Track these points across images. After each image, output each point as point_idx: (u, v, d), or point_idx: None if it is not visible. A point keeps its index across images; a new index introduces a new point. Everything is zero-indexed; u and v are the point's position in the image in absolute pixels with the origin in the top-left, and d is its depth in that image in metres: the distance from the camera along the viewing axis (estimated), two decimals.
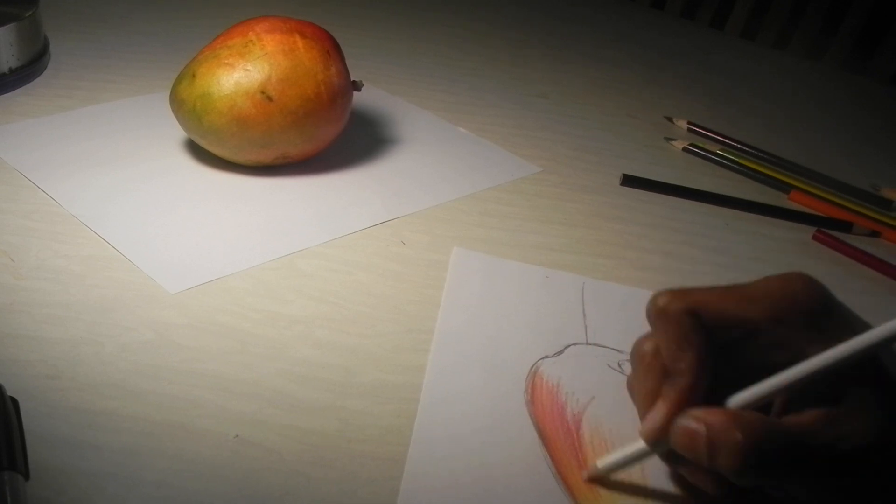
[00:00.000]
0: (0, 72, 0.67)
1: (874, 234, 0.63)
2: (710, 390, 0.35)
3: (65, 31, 0.79)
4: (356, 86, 0.61)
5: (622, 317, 0.49)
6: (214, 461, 0.37)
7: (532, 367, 0.44)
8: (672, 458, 0.37)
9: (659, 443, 0.36)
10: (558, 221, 0.59)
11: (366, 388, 0.42)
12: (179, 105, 0.57)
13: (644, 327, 0.49)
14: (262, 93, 0.55)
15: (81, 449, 0.37)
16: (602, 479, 0.38)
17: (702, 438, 0.33)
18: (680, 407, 0.35)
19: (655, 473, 0.39)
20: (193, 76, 0.57)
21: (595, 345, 0.47)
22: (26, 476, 0.32)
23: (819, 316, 0.35)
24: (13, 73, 0.68)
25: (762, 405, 0.35)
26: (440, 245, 0.54)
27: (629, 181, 0.65)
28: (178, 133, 0.62)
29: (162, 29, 0.83)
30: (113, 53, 0.76)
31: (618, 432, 0.41)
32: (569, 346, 0.46)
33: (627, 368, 0.45)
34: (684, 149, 0.72)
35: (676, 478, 0.39)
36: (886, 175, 0.73)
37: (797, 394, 0.35)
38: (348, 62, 0.60)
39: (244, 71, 0.56)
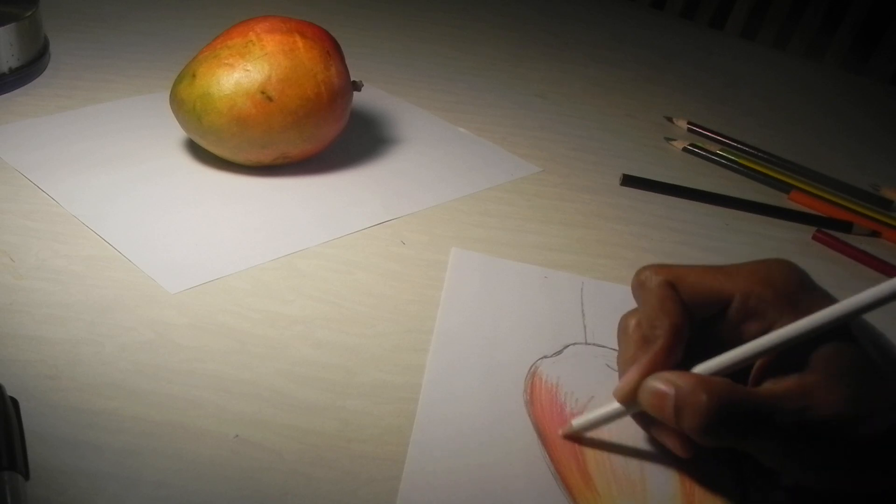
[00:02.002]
0: (0, 72, 0.67)
1: (874, 234, 0.63)
2: (682, 362, 0.37)
3: (65, 30, 0.79)
4: (356, 86, 0.61)
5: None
6: (214, 461, 0.37)
7: (531, 367, 0.44)
8: (644, 419, 0.39)
9: (631, 403, 0.37)
10: (558, 221, 0.59)
11: (366, 388, 0.42)
12: (179, 105, 0.57)
13: None
14: (262, 93, 0.55)
15: (81, 449, 0.37)
16: (594, 474, 0.38)
17: (669, 399, 0.35)
18: (652, 369, 0.37)
19: (655, 473, 0.39)
20: (193, 76, 0.57)
21: (594, 345, 0.47)
22: (26, 476, 0.32)
23: (794, 294, 0.37)
24: (13, 72, 0.68)
25: (735, 374, 0.36)
26: (440, 245, 0.54)
27: (629, 181, 0.65)
28: (178, 133, 0.62)
29: (162, 29, 0.83)
30: (113, 53, 0.76)
31: (617, 432, 0.41)
32: (568, 345, 0.46)
33: None
34: (684, 149, 0.72)
35: (649, 440, 0.40)
36: (886, 175, 0.73)
37: (772, 363, 0.36)
38: (348, 62, 0.60)
39: (244, 71, 0.56)
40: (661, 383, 0.36)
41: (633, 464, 0.39)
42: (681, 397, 0.35)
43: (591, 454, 0.40)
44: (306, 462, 0.38)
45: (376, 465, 0.38)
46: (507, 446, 0.39)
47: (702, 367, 0.36)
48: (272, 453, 0.38)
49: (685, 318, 0.37)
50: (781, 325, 0.36)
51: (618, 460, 0.39)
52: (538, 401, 0.42)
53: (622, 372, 0.39)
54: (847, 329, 0.35)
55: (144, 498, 0.35)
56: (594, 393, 0.43)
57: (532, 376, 0.44)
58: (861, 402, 0.34)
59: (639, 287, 0.39)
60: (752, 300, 0.37)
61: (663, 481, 0.39)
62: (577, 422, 0.40)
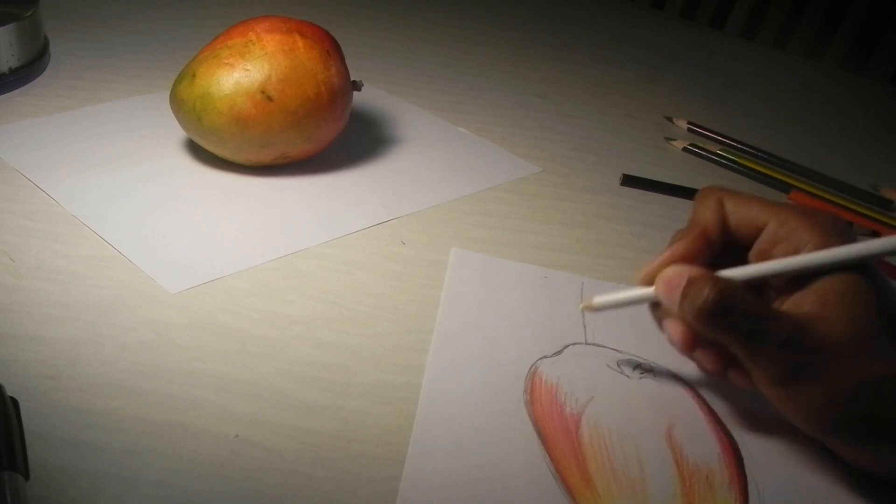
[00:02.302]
0: (0, 71, 0.67)
1: (874, 234, 0.63)
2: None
3: (65, 30, 0.79)
4: (356, 86, 0.61)
5: (621, 316, 0.49)
6: (214, 461, 0.37)
7: (531, 367, 0.44)
8: (655, 307, 0.43)
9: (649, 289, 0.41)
10: (558, 221, 0.59)
11: (366, 388, 0.42)
12: (179, 105, 0.57)
13: (643, 327, 0.49)
14: (262, 93, 0.55)
15: (81, 449, 0.37)
16: (595, 475, 0.38)
17: (679, 288, 0.38)
18: (672, 260, 0.40)
19: (655, 473, 0.39)
20: (193, 76, 0.57)
21: (594, 344, 0.47)
22: (26, 476, 0.32)
23: (828, 231, 0.38)
24: (13, 72, 0.68)
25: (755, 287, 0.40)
26: (440, 245, 0.54)
27: (629, 181, 0.65)
28: (178, 133, 0.62)
29: (162, 29, 0.83)
30: (113, 53, 0.76)
31: (617, 431, 0.41)
32: (568, 345, 0.46)
33: (626, 368, 0.45)
34: (684, 149, 0.72)
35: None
36: (886, 175, 0.73)
37: (786, 286, 0.39)
38: (348, 62, 0.60)
39: (244, 71, 0.56)
40: (676, 272, 0.39)
41: (633, 463, 0.39)
42: (688, 285, 0.37)
43: (591, 454, 0.40)
44: (306, 462, 0.38)
45: (376, 466, 0.38)
46: (506, 446, 0.39)
47: (725, 273, 0.39)
48: (272, 453, 0.38)
49: (718, 226, 0.41)
50: (808, 252, 0.38)
51: (618, 460, 0.39)
52: (538, 401, 0.42)
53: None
54: (868, 269, 0.37)
55: (144, 498, 0.35)
56: (594, 393, 0.43)
57: (532, 376, 0.44)
58: (860, 334, 0.36)
59: (697, 200, 0.43)
60: (784, 228, 0.39)
61: (663, 481, 0.39)
62: (598, 299, 0.44)
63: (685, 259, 0.40)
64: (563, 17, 1.05)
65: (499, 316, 0.48)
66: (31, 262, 0.48)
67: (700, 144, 0.72)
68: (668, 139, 0.74)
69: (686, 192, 0.64)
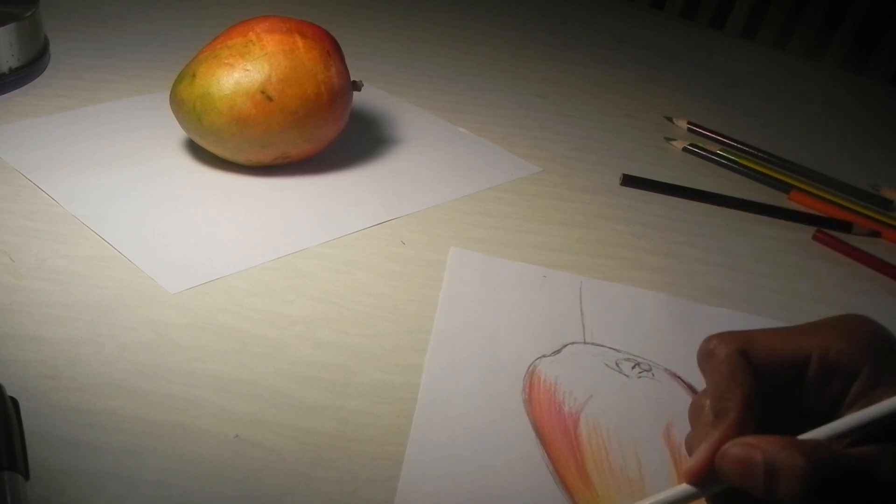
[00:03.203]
0: (0, 72, 0.67)
1: (874, 234, 0.63)
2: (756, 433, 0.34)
3: (65, 30, 0.79)
4: (356, 86, 0.61)
5: (620, 316, 0.49)
6: (214, 461, 0.37)
7: (530, 367, 0.44)
8: (719, 500, 0.35)
9: (703, 483, 0.34)
10: (558, 221, 0.59)
11: (366, 388, 0.42)
12: (179, 105, 0.57)
13: (643, 327, 0.49)
14: (262, 93, 0.55)
15: (81, 449, 0.37)
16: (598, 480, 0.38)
17: (758, 464, 0.32)
18: (725, 444, 0.33)
19: (653, 472, 0.39)
20: (193, 76, 0.57)
21: (593, 344, 0.47)
22: (26, 476, 0.32)
23: (872, 345, 0.34)
24: (13, 72, 0.68)
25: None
26: (440, 245, 0.54)
27: (629, 181, 0.65)
28: (178, 133, 0.62)
29: (162, 29, 0.83)
30: (113, 53, 0.76)
31: (615, 431, 0.41)
32: (566, 345, 0.46)
33: (625, 367, 0.45)
34: (684, 149, 0.72)
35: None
36: (886, 175, 0.73)
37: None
38: (348, 62, 0.60)
39: (244, 71, 0.56)
40: (746, 448, 0.32)
41: (632, 462, 0.39)
42: (772, 461, 0.31)
43: (589, 453, 0.40)
44: (306, 462, 0.38)
45: (376, 465, 0.38)
46: (505, 445, 0.39)
47: (808, 435, 0.33)
48: (272, 453, 0.38)
49: (758, 388, 0.34)
50: (864, 379, 0.33)
51: (616, 459, 0.39)
52: (537, 400, 0.42)
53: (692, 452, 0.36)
54: None
55: (144, 498, 0.35)
56: (593, 392, 0.43)
57: (531, 375, 0.44)
58: None
59: (706, 357, 0.36)
60: (830, 357, 0.34)
61: (661, 480, 0.39)
62: None
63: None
64: (563, 17, 1.05)
65: (498, 315, 0.48)
66: (32, 262, 0.48)
67: (700, 144, 0.72)
68: (668, 139, 0.74)
69: (686, 193, 0.64)
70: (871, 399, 0.34)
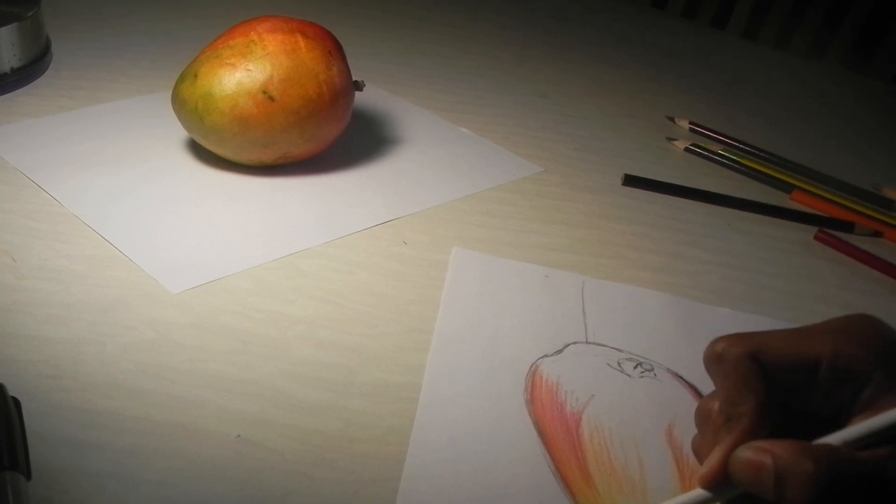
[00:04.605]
0: (2, 71, 0.67)
1: (876, 234, 0.63)
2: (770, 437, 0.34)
3: (67, 30, 0.79)
4: (358, 86, 0.61)
5: (622, 316, 0.49)
6: (216, 461, 0.37)
7: (531, 366, 0.44)
8: None
9: (717, 488, 0.34)
10: (560, 221, 0.59)
11: (367, 387, 0.42)
12: (181, 105, 0.57)
13: (644, 326, 0.49)
14: (264, 93, 0.55)
15: (83, 448, 0.37)
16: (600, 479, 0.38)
17: (768, 469, 0.32)
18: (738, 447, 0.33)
19: (655, 471, 0.39)
20: (195, 76, 0.57)
21: (595, 343, 0.47)
22: (28, 476, 0.32)
23: (882, 347, 0.34)
24: (15, 72, 0.68)
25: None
26: (442, 245, 0.54)
27: (631, 181, 0.65)
28: (179, 133, 0.62)
29: (163, 29, 0.83)
30: (114, 53, 0.76)
31: (617, 431, 0.41)
32: (568, 344, 0.46)
33: (627, 367, 0.45)
34: (686, 149, 0.72)
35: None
36: (888, 175, 0.73)
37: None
38: (350, 62, 0.60)
39: (246, 71, 0.56)
40: (756, 453, 0.32)
41: (634, 462, 0.39)
42: (782, 466, 0.31)
43: (591, 452, 0.40)
44: (308, 462, 0.38)
45: (378, 465, 0.38)
46: (507, 445, 0.39)
47: (823, 441, 0.33)
48: (274, 453, 0.38)
49: (770, 392, 0.34)
50: (876, 384, 0.33)
51: (618, 459, 0.39)
52: (539, 399, 0.42)
53: (703, 459, 0.36)
54: None
55: (146, 498, 0.35)
56: (594, 391, 0.43)
57: (532, 375, 0.44)
58: None
59: (715, 361, 0.35)
60: (841, 360, 0.34)
61: (663, 480, 0.39)
62: None
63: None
64: (564, 17, 1.04)
65: (499, 315, 0.48)
66: (33, 261, 0.48)
67: (702, 144, 0.72)
68: (670, 139, 0.74)
69: (688, 193, 0.64)
70: (883, 404, 0.33)
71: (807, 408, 0.35)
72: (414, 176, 0.62)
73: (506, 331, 0.47)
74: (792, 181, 0.68)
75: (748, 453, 0.32)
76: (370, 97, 0.72)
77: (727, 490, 0.34)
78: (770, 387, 0.34)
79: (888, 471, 0.31)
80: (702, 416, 0.36)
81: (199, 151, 0.61)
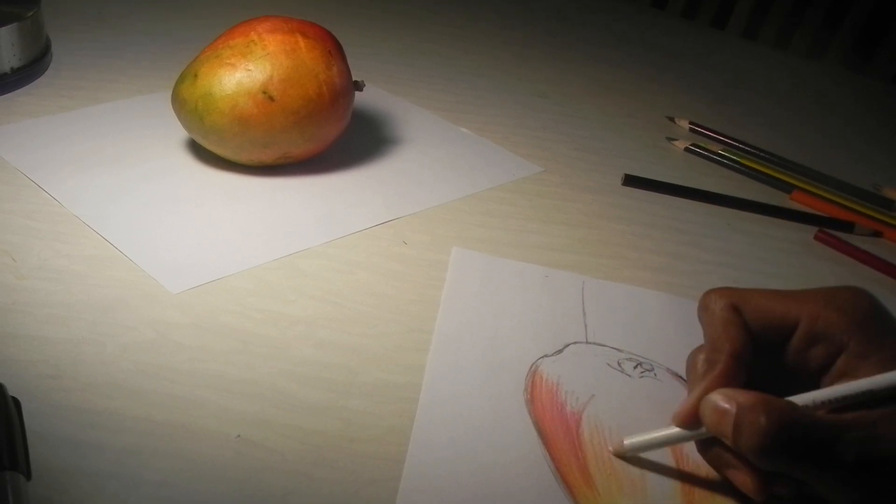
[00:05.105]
0: (2, 71, 0.67)
1: (876, 234, 0.63)
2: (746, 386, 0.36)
3: (67, 30, 0.79)
4: (358, 86, 0.61)
5: (622, 315, 0.49)
6: (216, 461, 0.37)
7: (532, 366, 0.44)
8: (703, 446, 0.38)
9: (690, 426, 0.36)
10: (560, 221, 0.59)
11: (368, 387, 0.42)
12: (181, 105, 0.57)
13: (645, 326, 0.49)
14: (264, 93, 0.55)
15: (83, 449, 0.37)
16: (608, 474, 0.38)
17: (729, 416, 0.34)
18: (711, 391, 0.35)
19: (655, 472, 0.39)
20: (195, 76, 0.57)
21: (595, 343, 0.47)
22: (28, 476, 0.32)
23: (864, 320, 0.35)
24: (15, 72, 0.68)
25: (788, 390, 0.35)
26: (442, 245, 0.54)
27: (631, 181, 0.65)
28: (179, 133, 0.62)
29: (163, 29, 0.83)
30: (114, 53, 0.77)
31: (618, 430, 0.41)
32: (568, 344, 0.46)
33: (627, 367, 0.45)
34: (686, 149, 0.72)
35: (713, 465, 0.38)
36: (888, 175, 0.73)
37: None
38: (350, 62, 0.60)
39: (246, 71, 0.56)
40: (722, 400, 0.34)
41: (633, 462, 0.39)
42: (740, 415, 0.33)
43: (591, 452, 0.40)
44: (308, 462, 0.38)
45: (378, 465, 0.38)
46: (507, 445, 0.39)
47: (797, 399, 0.35)
48: (274, 453, 0.38)
49: (747, 342, 0.36)
50: (851, 353, 0.34)
51: (618, 459, 0.39)
52: (539, 399, 0.42)
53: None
54: None
55: (146, 498, 0.35)
56: (595, 391, 0.43)
57: (532, 375, 0.44)
58: None
59: (703, 310, 0.38)
60: (818, 324, 0.36)
61: (663, 480, 0.39)
62: (629, 441, 0.39)
63: (724, 387, 0.36)
64: (564, 17, 1.04)
65: (499, 315, 0.48)
66: (33, 261, 0.48)
67: (702, 144, 0.72)
68: (670, 139, 0.74)
69: (688, 193, 0.64)
70: (855, 372, 0.35)
71: (783, 365, 0.37)
72: (414, 176, 0.62)
73: (506, 331, 0.47)
74: (792, 181, 0.69)
75: (716, 398, 0.35)
76: (370, 97, 0.72)
77: (699, 431, 0.36)
78: (747, 337, 0.36)
79: (843, 436, 0.32)
80: (689, 366, 0.39)
81: (199, 151, 0.61)
